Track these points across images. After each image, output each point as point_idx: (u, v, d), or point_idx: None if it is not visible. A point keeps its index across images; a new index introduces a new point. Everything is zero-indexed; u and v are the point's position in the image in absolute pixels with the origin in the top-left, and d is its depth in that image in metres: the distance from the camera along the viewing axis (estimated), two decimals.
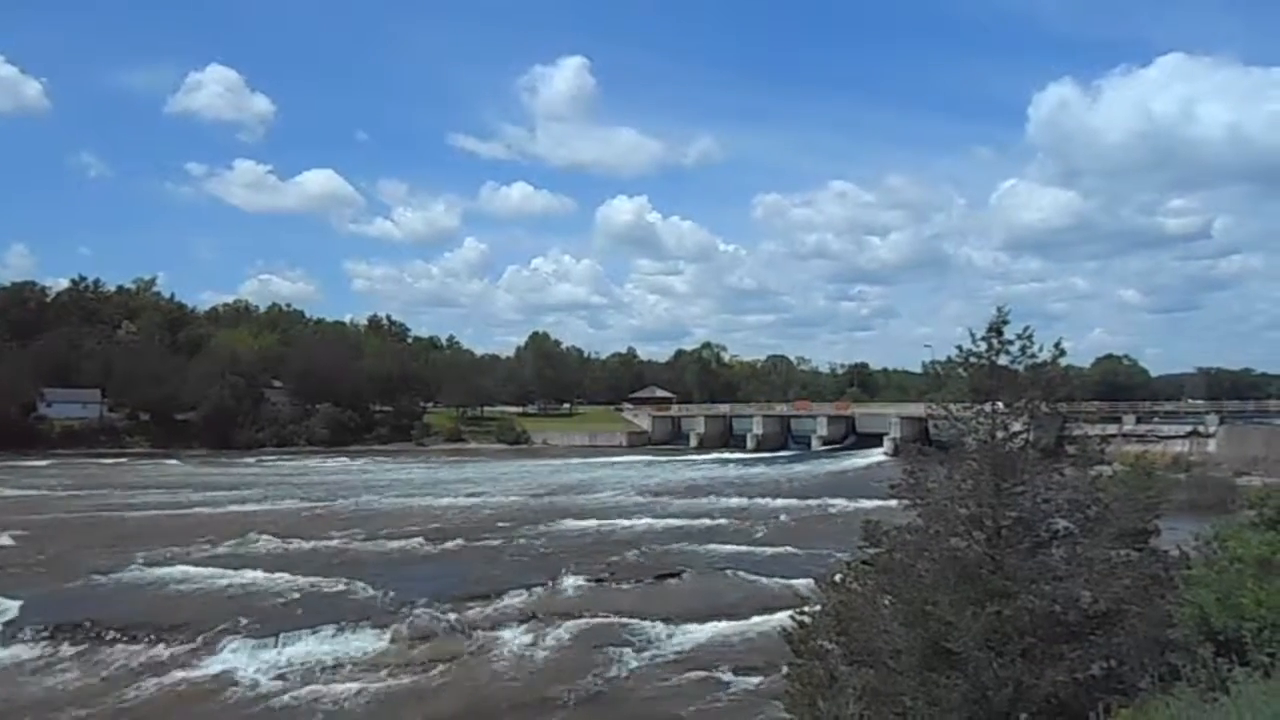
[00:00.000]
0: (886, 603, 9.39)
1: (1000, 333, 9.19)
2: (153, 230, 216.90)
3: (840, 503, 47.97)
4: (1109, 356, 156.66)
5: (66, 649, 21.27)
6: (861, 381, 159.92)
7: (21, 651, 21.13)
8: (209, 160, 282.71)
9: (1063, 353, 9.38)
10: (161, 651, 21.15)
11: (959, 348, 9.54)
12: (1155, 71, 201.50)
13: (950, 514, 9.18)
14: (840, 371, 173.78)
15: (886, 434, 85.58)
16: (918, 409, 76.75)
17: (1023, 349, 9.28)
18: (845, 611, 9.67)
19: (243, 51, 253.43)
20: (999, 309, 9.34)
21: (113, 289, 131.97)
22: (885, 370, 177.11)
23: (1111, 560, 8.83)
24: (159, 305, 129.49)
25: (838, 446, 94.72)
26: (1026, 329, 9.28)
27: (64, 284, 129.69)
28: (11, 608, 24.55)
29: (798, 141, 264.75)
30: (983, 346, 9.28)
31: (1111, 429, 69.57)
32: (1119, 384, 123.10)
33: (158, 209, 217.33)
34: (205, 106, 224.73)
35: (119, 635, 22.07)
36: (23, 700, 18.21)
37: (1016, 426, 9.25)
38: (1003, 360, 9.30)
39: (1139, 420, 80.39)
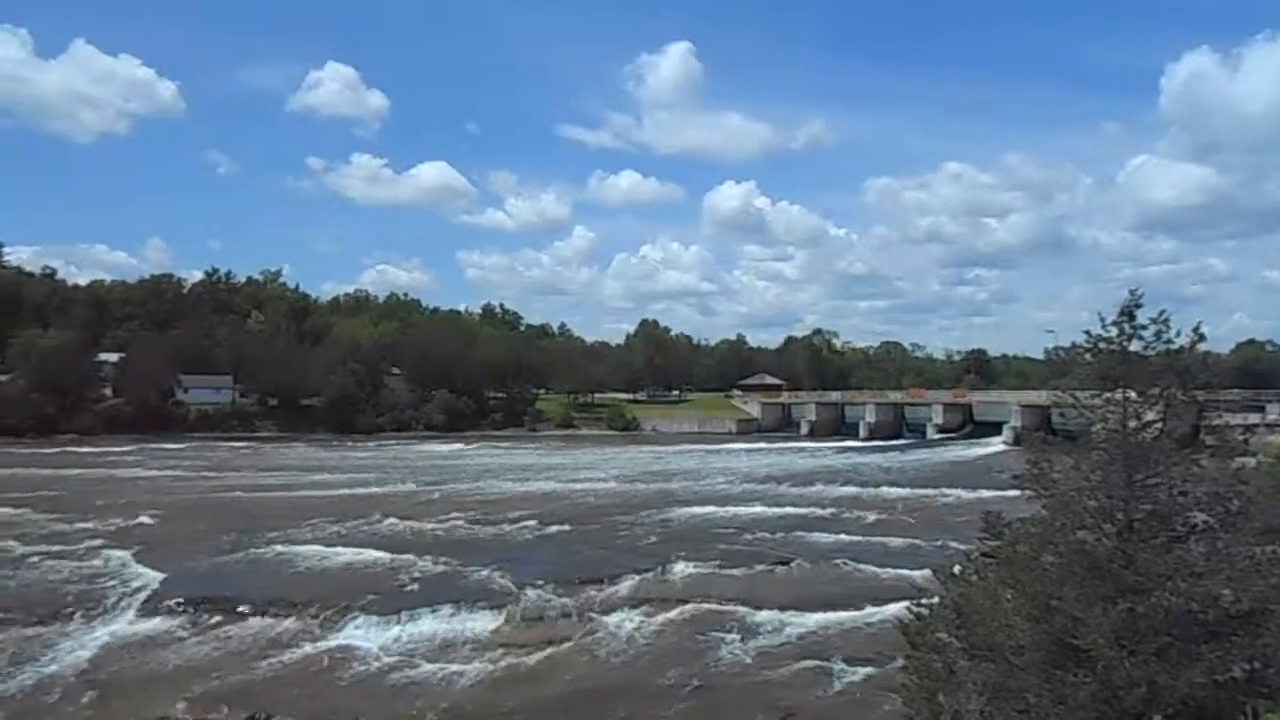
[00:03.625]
0: (1009, 596, 9.06)
1: (1133, 317, 8.73)
2: (277, 223, 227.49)
3: (957, 493, 46.69)
4: (1250, 342, 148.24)
5: (203, 621, 22.40)
6: (979, 368, 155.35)
7: (162, 623, 22.36)
8: (328, 155, 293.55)
9: (1202, 337, 8.83)
10: (291, 626, 22.10)
11: (1087, 333, 9.10)
12: None
13: (1077, 506, 8.80)
14: (956, 358, 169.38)
15: (1006, 423, 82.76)
16: (1040, 397, 74.00)
17: (1157, 334, 8.78)
18: (965, 604, 9.38)
19: (358, 49, 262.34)
20: (1131, 292, 8.87)
21: (242, 280, 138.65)
22: (1004, 357, 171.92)
23: (1256, 557, 8.31)
24: (285, 295, 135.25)
25: (954, 435, 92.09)
26: (1162, 313, 8.78)
27: (198, 276, 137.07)
28: (153, 582, 26.08)
29: (910, 122, 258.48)
30: (1113, 331, 8.84)
31: (1254, 418, 65.54)
32: (1261, 371, 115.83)
33: (281, 203, 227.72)
34: (324, 103, 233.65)
35: (251, 609, 23.15)
36: (164, 669, 19.30)
37: (1150, 415, 8.78)
38: (1135, 346, 8.83)
39: None
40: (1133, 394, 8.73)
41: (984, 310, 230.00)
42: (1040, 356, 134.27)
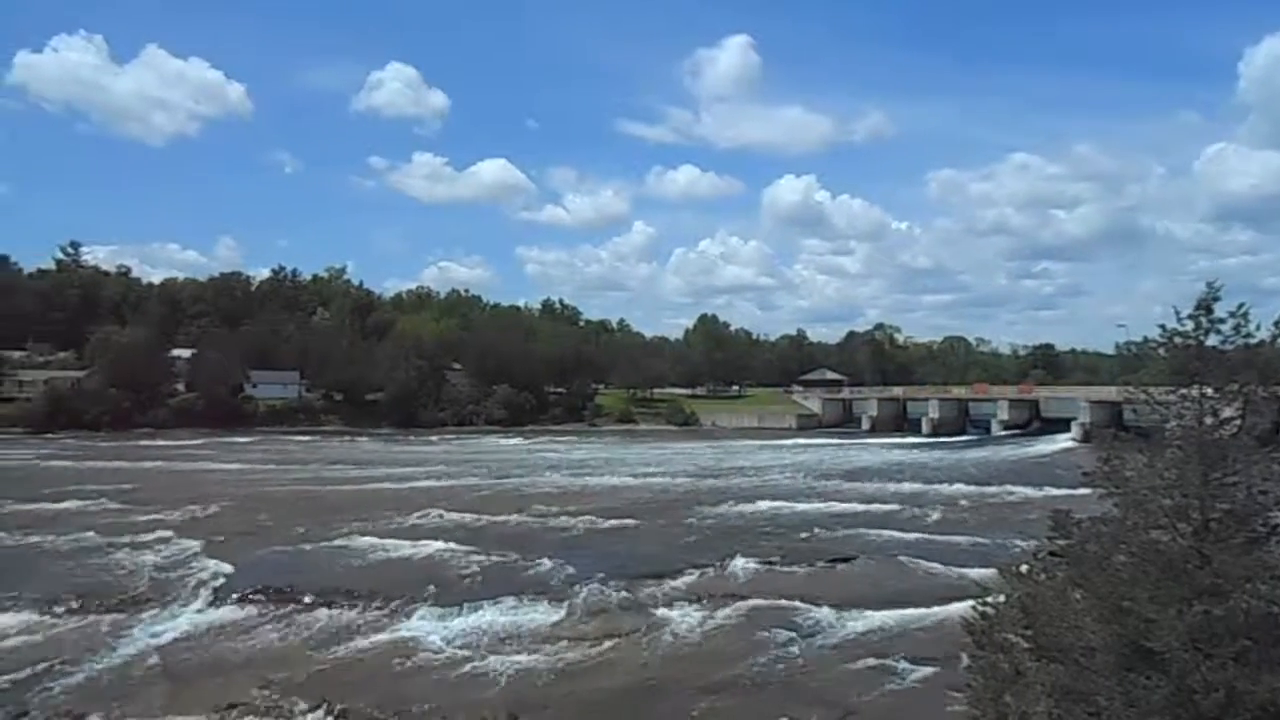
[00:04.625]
0: (1078, 596, 8.84)
1: (1210, 310, 8.44)
2: (341, 222, 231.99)
3: (1023, 490, 45.82)
4: None
5: (272, 611, 22.94)
6: (1046, 363, 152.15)
7: (233, 612, 22.95)
8: (390, 154, 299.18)
9: None
10: (356, 616, 22.53)
11: (1161, 327, 8.81)
12: None
13: (1151, 505, 8.54)
14: (1023, 353, 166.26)
15: (1074, 419, 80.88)
16: (1110, 392, 72.24)
17: (1236, 328, 8.47)
18: (1032, 604, 9.17)
19: (419, 48, 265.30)
20: (1209, 284, 8.57)
21: (308, 278, 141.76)
22: (1073, 351, 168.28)
23: None
24: (349, 292, 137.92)
25: (1020, 432, 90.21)
26: (1241, 306, 8.47)
27: (265, 274, 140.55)
28: (223, 572, 26.79)
29: (974, 113, 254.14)
30: (1189, 325, 8.55)
31: None
32: None
33: (345, 201, 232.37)
34: (386, 103, 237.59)
35: (318, 600, 23.66)
36: (235, 657, 19.80)
37: (1228, 412, 8.49)
38: (1212, 340, 8.54)
39: None
40: (1209, 390, 8.46)
41: (1052, 304, 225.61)
42: (1110, 351, 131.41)
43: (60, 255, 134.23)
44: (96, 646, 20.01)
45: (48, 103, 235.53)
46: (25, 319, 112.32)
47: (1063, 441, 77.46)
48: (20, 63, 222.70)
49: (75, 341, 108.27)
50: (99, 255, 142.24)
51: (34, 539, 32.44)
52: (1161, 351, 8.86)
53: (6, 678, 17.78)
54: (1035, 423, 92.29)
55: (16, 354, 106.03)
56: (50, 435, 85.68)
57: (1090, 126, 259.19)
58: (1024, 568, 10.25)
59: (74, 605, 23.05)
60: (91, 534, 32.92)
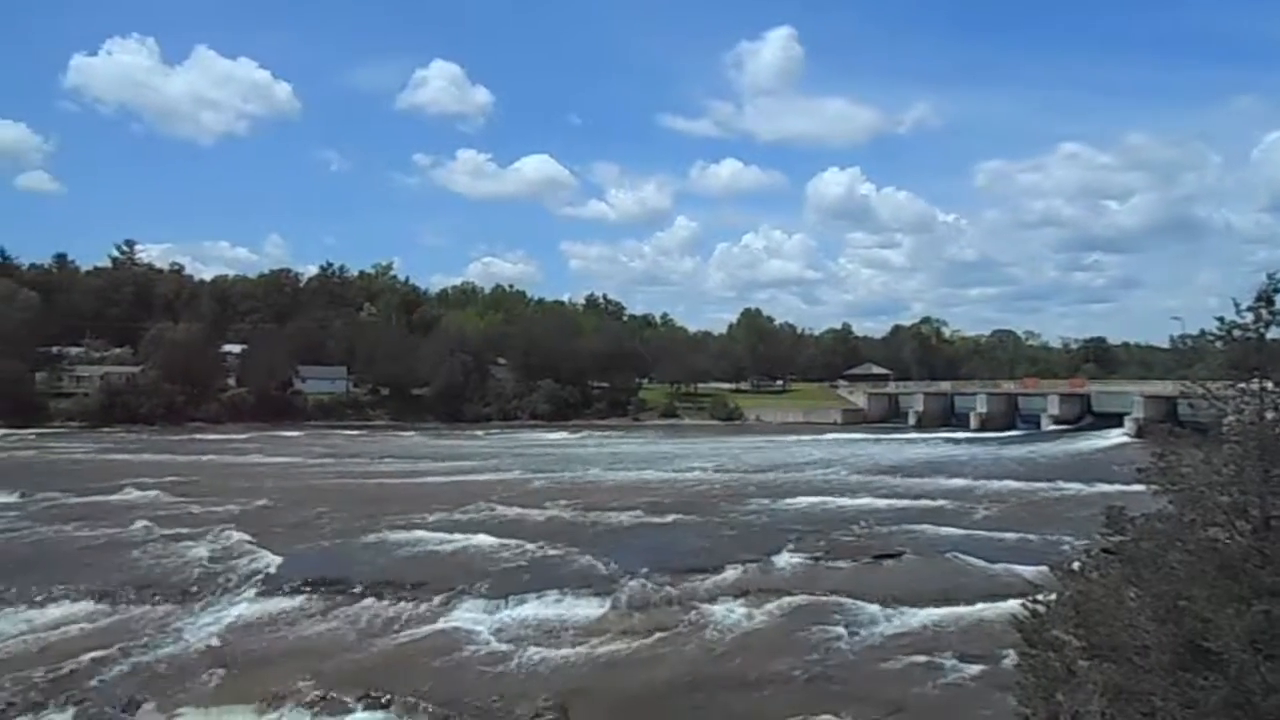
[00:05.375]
0: (1132, 595, 8.67)
1: (1271, 302, 8.22)
2: (387, 218, 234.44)
3: (1074, 486, 45.06)
4: None
5: (319, 603, 23.25)
6: (1098, 357, 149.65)
7: (282, 603, 23.30)
8: (434, 151, 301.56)
9: None
10: (403, 608, 22.77)
11: (1219, 319, 8.60)
12: None
13: (1208, 501, 8.35)
14: (1074, 347, 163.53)
15: (1127, 414, 79.38)
16: (1165, 387, 70.86)
17: None
18: (1084, 602, 9.02)
19: (463, 46, 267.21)
20: (1270, 275, 8.35)
21: (355, 274, 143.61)
22: (1125, 345, 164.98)
23: None
24: (395, 288, 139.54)
25: (1071, 427, 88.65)
26: None
27: (313, 270, 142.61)
28: (274, 563, 27.24)
29: (1022, 103, 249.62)
30: (1248, 317, 8.34)
31: None
32: None
33: (391, 199, 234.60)
34: (430, 101, 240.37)
35: (365, 591, 23.95)
36: (285, 647, 20.12)
37: None
38: (1273, 333, 8.32)
39: None
40: (1270, 384, 8.24)
41: (1103, 297, 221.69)
42: (1165, 345, 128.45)
43: (116, 253, 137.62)
44: (152, 635, 20.44)
45: (102, 104, 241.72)
46: (82, 316, 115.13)
47: (1115, 437, 76.05)
48: (76, 66, 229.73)
49: (130, 338, 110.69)
50: (153, 253, 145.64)
51: (91, 530, 33.23)
52: (1219, 345, 8.66)
53: (66, 665, 18.23)
54: (1087, 418, 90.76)
55: (74, 350, 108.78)
56: (106, 429, 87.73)
57: (1143, 115, 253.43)
58: (1076, 565, 10.09)
59: (130, 595, 23.58)
60: (146, 525, 33.67)
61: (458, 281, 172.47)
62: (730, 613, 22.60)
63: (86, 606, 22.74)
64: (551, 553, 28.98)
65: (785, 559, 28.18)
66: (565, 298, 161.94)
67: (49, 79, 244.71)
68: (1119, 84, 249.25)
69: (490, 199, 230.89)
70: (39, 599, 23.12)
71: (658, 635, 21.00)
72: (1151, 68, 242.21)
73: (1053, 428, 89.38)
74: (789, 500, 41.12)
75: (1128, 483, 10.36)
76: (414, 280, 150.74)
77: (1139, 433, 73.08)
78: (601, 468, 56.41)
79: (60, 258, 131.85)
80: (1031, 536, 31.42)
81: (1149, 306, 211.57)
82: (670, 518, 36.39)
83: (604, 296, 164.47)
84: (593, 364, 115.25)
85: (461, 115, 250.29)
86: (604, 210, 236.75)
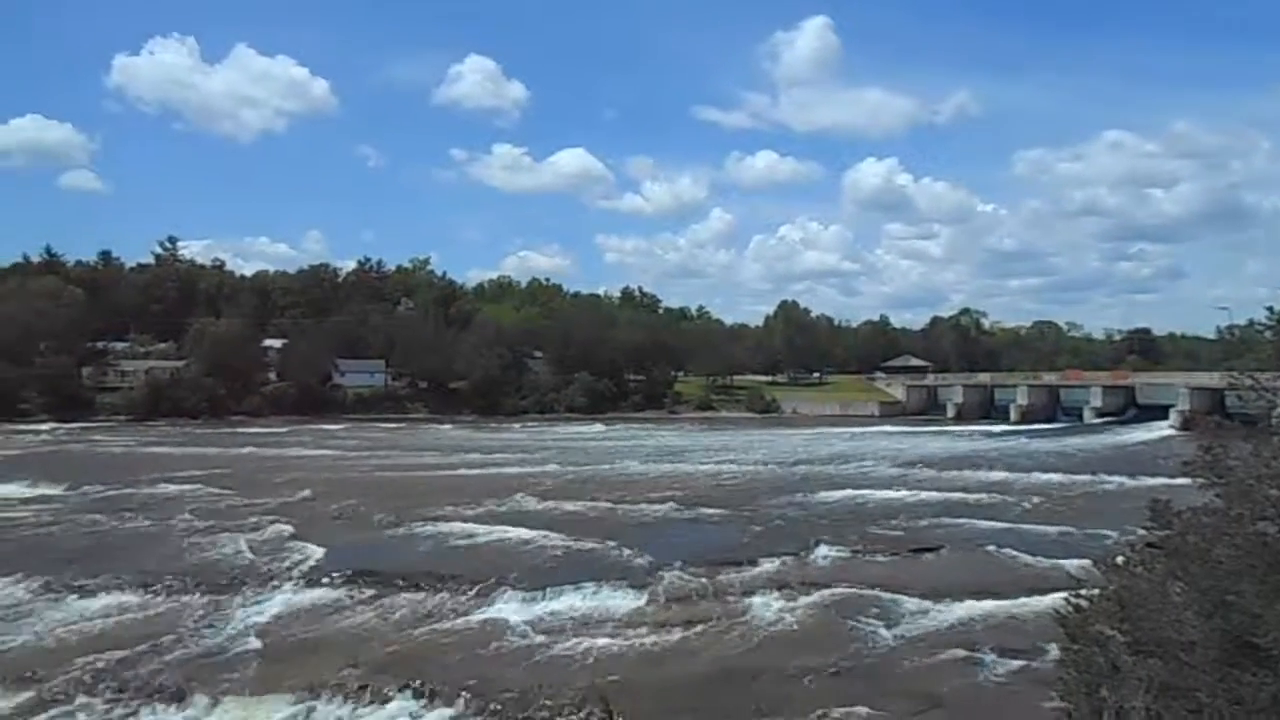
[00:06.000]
0: (1177, 590, 8.51)
1: None
2: (423, 213, 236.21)
3: (1118, 480, 44.36)
4: None
5: (360, 593, 23.48)
6: (1142, 348, 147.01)
7: (323, 594, 23.58)
8: (470, 145, 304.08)
9: None
10: (442, 599, 22.95)
11: (1269, 309, 8.44)
12: None
13: (1257, 495, 8.17)
14: (1117, 338, 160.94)
15: (1173, 406, 77.93)
16: (1212, 378, 69.45)
17: None
18: (1128, 597, 8.86)
19: (498, 40, 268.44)
20: None
21: (392, 269, 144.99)
22: (1171, 336, 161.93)
23: None
24: (432, 282, 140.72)
25: (1114, 419, 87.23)
26: None
27: (351, 265, 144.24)
28: (315, 554, 27.56)
29: (1064, 91, 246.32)
30: None
31: None
32: None
33: (427, 193, 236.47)
34: (466, 95, 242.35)
35: (404, 582, 24.16)
36: (326, 637, 20.36)
37: None
38: None
39: None
40: None
41: (1148, 287, 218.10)
42: (1212, 336, 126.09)
43: (159, 250, 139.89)
44: (196, 625, 20.79)
45: (144, 104, 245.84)
46: (127, 312, 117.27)
47: (1160, 429, 74.79)
48: (119, 66, 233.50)
49: (174, 333, 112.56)
50: (194, 249, 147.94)
51: (135, 522, 33.88)
52: (1268, 335, 8.49)
53: (114, 654, 18.59)
54: (1131, 410, 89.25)
55: (120, 345, 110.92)
56: (151, 423, 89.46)
57: (1188, 101, 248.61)
58: (1120, 559, 9.93)
59: (175, 585, 23.98)
60: (190, 517, 34.25)
61: (494, 275, 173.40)
62: (768, 605, 22.51)
63: (133, 596, 23.16)
64: (588, 545, 29.06)
65: (822, 552, 28.02)
66: (601, 291, 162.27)
67: (93, 79, 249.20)
68: (1163, 69, 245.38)
69: (526, 193, 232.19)
70: (88, 588, 23.61)
71: (696, 627, 20.98)
72: (1197, 52, 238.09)
73: (1096, 420, 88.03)
74: (826, 493, 40.89)
75: (1173, 476, 10.17)
76: (451, 274, 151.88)
77: (1185, 425, 71.77)
78: (637, 460, 56.47)
79: (105, 255, 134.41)
80: (1073, 530, 31.00)
81: (1195, 297, 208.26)
82: (706, 510, 36.34)
83: (639, 289, 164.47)
84: (628, 357, 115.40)
85: (497, 110, 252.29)
86: (639, 203, 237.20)
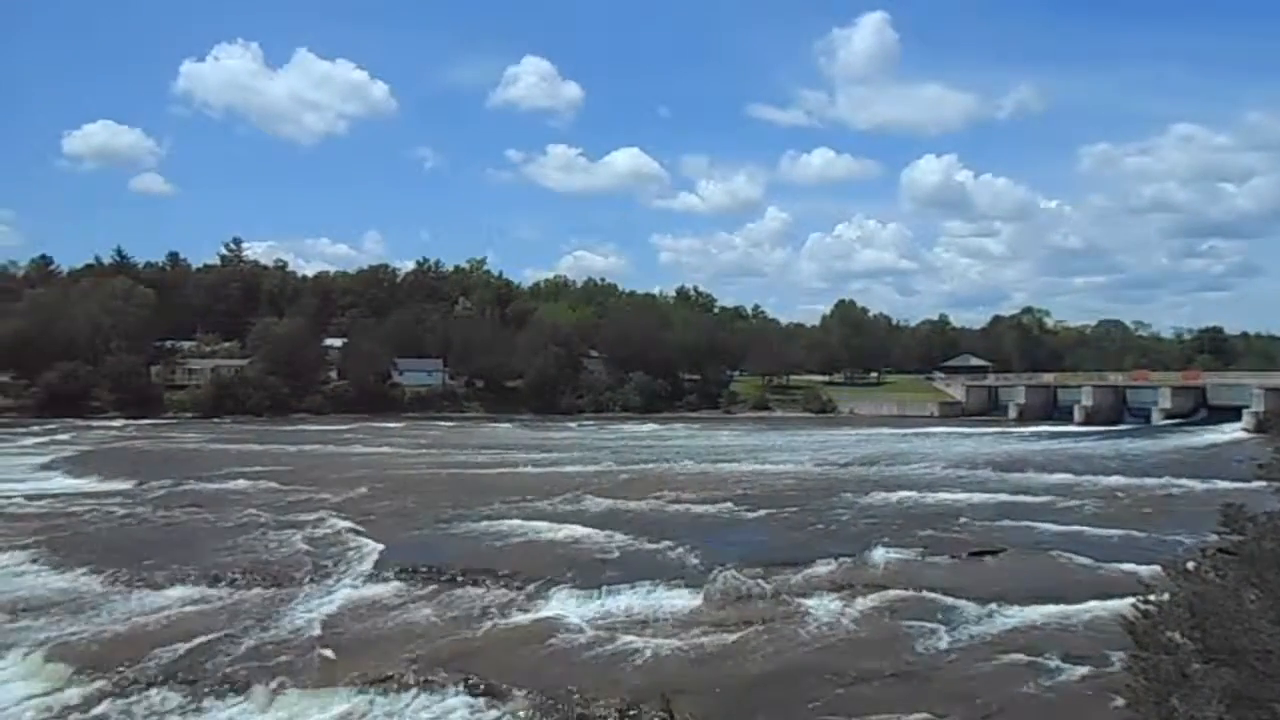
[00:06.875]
0: (1252, 597, 8.25)
1: None
2: (480, 213, 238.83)
3: (1188, 483, 43.04)
4: None
5: (419, 589, 23.78)
6: (1214, 348, 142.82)
7: (383, 590, 23.92)
8: (525, 146, 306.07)
9: None
10: (500, 595, 23.14)
11: None
12: None
13: None
14: (1187, 337, 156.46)
15: (1246, 407, 75.53)
16: None
17: None
18: (1200, 604, 8.61)
19: (554, 42, 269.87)
20: None
21: (450, 269, 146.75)
22: (1244, 335, 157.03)
23: None
24: (489, 282, 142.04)
25: (1184, 421, 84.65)
26: None
27: (410, 265, 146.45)
28: (375, 550, 27.94)
29: (1130, 84, 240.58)
30: None
31: None
32: None
33: (484, 194, 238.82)
34: (522, 97, 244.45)
35: (463, 579, 24.42)
36: (385, 632, 20.64)
37: None
38: None
39: None
40: None
41: (1220, 284, 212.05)
42: None
43: (224, 251, 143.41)
44: (258, 619, 21.19)
45: (210, 108, 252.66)
46: (194, 311, 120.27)
47: (1232, 431, 72.49)
48: (185, 72, 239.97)
49: (238, 332, 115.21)
50: (258, 250, 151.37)
51: (200, 517, 34.73)
52: None
53: (181, 646, 19.04)
54: (1201, 411, 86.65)
55: (187, 344, 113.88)
56: (216, 420, 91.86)
57: (1262, 91, 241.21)
58: (1191, 565, 9.65)
59: (239, 579, 24.54)
60: (252, 512, 34.99)
61: (550, 275, 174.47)
62: (823, 607, 22.29)
63: (199, 590, 23.73)
64: (643, 543, 29.06)
65: (880, 554, 27.64)
66: (656, 290, 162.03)
67: (161, 85, 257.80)
68: (1234, 58, 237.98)
69: (581, 193, 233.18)
70: (157, 581, 24.27)
71: (750, 628, 20.85)
72: (1270, 38, 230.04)
73: (1164, 422, 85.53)
74: (884, 494, 40.37)
75: (1246, 479, 9.85)
76: (507, 274, 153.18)
77: (1258, 427, 69.47)
78: (692, 460, 56.34)
79: (173, 256, 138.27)
80: (1140, 535, 30.22)
81: (1271, 294, 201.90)
82: (762, 511, 36.10)
83: (695, 288, 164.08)
84: (684, 356, 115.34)
85: (552, 110, 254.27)
86: (694, 202, 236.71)
